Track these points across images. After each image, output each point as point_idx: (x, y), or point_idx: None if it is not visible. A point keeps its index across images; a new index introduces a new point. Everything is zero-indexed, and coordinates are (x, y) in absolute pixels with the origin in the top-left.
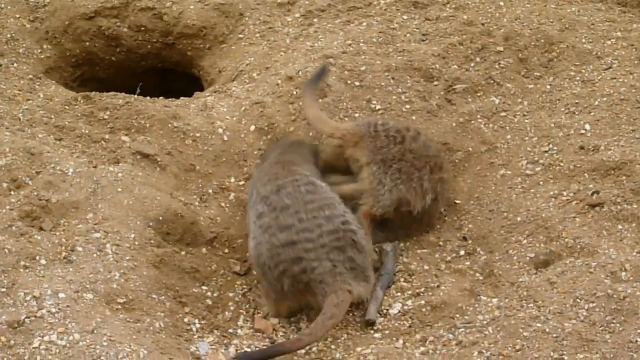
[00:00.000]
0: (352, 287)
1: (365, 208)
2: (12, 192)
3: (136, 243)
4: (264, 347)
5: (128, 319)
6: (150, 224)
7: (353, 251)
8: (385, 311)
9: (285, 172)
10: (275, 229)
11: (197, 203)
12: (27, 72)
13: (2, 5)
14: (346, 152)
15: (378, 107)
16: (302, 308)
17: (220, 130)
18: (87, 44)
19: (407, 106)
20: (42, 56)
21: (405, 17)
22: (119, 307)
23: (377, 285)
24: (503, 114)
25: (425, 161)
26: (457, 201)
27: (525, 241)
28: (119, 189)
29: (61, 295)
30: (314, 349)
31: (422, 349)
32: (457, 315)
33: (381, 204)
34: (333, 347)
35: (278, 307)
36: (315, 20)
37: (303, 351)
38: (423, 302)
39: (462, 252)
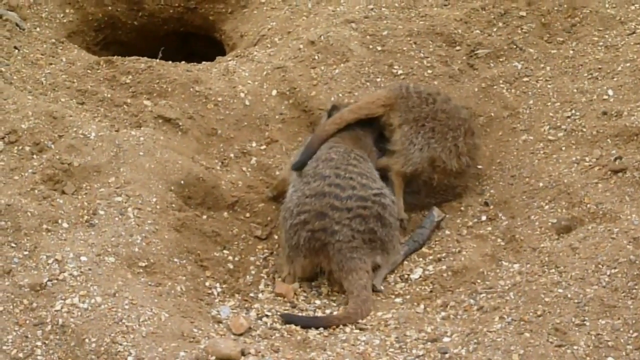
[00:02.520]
0: (367, 264)
1: (396, 167)
2: (34, 156)
3: (158, 207)
4: (313, 316)
5: (149, 283)
6: (172, 187)
7: (377, 224)
8: (406, 276)
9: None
10: (310, 177)
11: (218, 167)
12: (50, 37)
13: None
14: (382, 119)
15: (400, 72)
16: (315, 270)
17: (242, 95)
18: (110, 8)
19: (429, 71)
20: (65, 20)
21: None
22: (141, 270)
23: (401, 248)
24: (525, 79)
25: (458, 123)
26: (479, 166)
27: (547, 207)
28: (141, 153)
29: (83, 258)
30: (335, 313)
31: (443, 314)
32: (479, 281)
33: (411, 162)
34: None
35: (292, 266)
36: None
37: (324, 314)
38: (444, 267)
39: (483, 218)
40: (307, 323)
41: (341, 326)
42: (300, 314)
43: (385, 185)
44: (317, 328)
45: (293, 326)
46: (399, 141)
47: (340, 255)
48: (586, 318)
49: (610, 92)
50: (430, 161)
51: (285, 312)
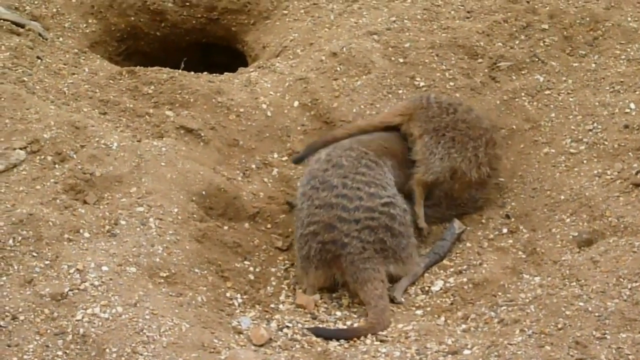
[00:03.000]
0: (381, 273)
1: (417, 176)
2: (56, 166)
3: (179, 217)
4: (338, 328)
5: (170, 293)
6: (193, 198)
7: (386, 234)
8: (427, 288)
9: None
10: (319, 184)
11: (240, 178)
12: (73, 46)
13: None
14: (402, 129)
15: (422, 84)
16: (330, 281)
17: (264, 106)
18: (132, 18)
19: (451, 83)
20: (88, 30)
21: None
22: (162, 280)
23: (422, 260)
24: (547, 92)
25: (479, 133)
26: (501, 179)
27: (568, 220)
28: (163, 163)
29: (104, 268)
30: (357, 324)
31: (463, 326)
32: (499, 293)
33: (432, 171)
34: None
35: (307, 277)
36: None
37: (345, 325)
38: (465, 279)
39: (504, 230)
40: (333, 335)
41: (362, 338)
42: (324, 326)
43: (397, 193)
44: (341, 340)
45: (314, 338)
46: (420, 151)
47: (353, 267)
48: (607, 331)
49: (632, 106)
50: (451, 171)
51: (307, 324)
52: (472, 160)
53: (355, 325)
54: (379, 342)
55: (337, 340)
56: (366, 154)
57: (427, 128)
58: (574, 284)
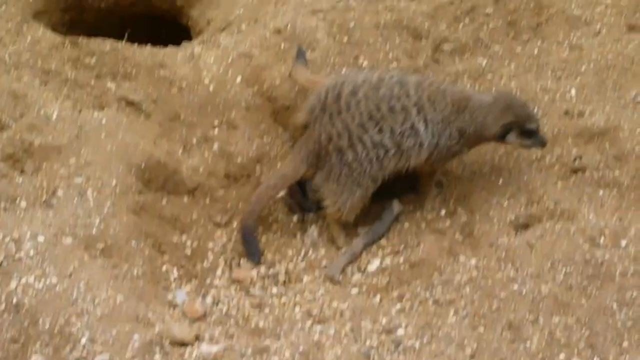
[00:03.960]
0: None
1: None
2: None
3: (117, 189)
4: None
5: (106, 265)
6: (133, 170)
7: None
8: (363, 267)
9: None
10: (353, 84)
11: (180, 152)
12: (15, 15)
13: None
14: None
15: (365, 63)
16: None
17: (207, 81)
18: None
19: (394, 64)
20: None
21: None
22: (98, 252)
23: (360, 240)
24: (489, 75)
25: None
26: None
27: (506, 203)
28: (103, 135)
29: (40, 238)
30: (291, 302)
31: (398, 306)
32: (435, 274)
33: None
34: (309, 301)
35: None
36: None
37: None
38: (402, 259)
39: (442, 212)
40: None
41: (294, 316)
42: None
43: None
44: None
45: (248, 313)
46: None
47: None
48: (540, 314)
49: (573, 92)
50: None
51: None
52: None
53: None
54: (313, 320)
55: None
56: None
57: None
58: (509, 267)
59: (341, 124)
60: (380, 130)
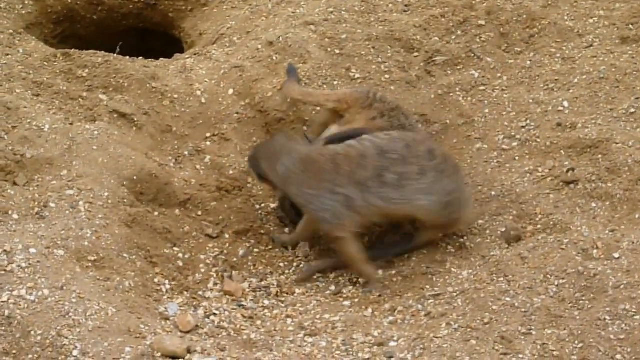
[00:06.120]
0: None
1: None
2: None
3: (109, 201)
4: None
5: (98, 277)
6: (124, 183)
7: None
8: (355, 280)
9: None
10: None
11: (172, 164)
12: (8, 27)
13: None
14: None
15: (357, 75)
16: None
17: (199, 93)
18: (69, 1)
19: (387, 76)
20: (24, 12)
21: None
22: (90, 264)
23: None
24: (482, 87)
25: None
26: None
27: (498, 215)
28: (95, 147)
29: (32, 250)
30: (283, 314)
31: (390, 318)
32: (427, 287)
33: None
34: (302, 313)
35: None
36: None
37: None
38: (394, 272)
39: None
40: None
41: (286, 328)
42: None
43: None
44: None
45: (240, 325)
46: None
47: None
48: (532, 327)
49: (566, 104)
50: None
51: (234, 312)
52: None
53: None
54: (304, 333)
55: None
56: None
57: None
58: (502, 279)
59: None
60: None
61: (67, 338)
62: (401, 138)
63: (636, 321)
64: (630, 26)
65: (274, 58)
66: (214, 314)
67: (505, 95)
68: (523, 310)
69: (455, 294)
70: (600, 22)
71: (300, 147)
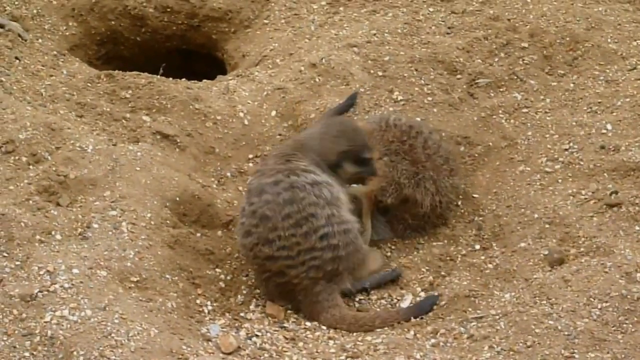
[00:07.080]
0: (337, 301)
1: (367, 189)
2: (31, 167)
3: (152, 222)
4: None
5: (140, 298)
6: (167, 204)
7: (333, 265)
8: (396, 302)
9: (277, 165)
10: (258, 239)
11: (214, 185)
12: (52, 48)
13: None
14: None
15: (400, 97)
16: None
17: (241, 114)
18: (113, 22)
19: (429, 98)
20: (67, 33)
21: (431, 9)
22: (132, 285)
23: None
24: (525, 110)
25: (438, 162)
26: (475, 195)
27: (541, 238)
28: (138, 168)
29: (75, 271)
30: (325, 336)
31: (432, 340)
32: (470, 309)
33: (384, 193)
34: (343, 335)
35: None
36: (341, 8)
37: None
38: (436, 294)
39: (477, 247)
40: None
41: (328, 350)
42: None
43: (331, 207)
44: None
45: (282, 347)
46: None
47: (309, 297)
48: (575, 351)
49: (609, 127)
50: (403, 197)
51: (276, 333)
52: (428, 189)
53: None
54: (346, 355)
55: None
56: (279, 180)
57: (384, 151)
58: (545, 302)
59: None
60: None
61: (109, 359)
62: None
63: None
64: None
65: (317, 80)
66: (256, 336)
67: (548, 118)
68: (566, 333)
69: (497, 317)
70: None
71: None
